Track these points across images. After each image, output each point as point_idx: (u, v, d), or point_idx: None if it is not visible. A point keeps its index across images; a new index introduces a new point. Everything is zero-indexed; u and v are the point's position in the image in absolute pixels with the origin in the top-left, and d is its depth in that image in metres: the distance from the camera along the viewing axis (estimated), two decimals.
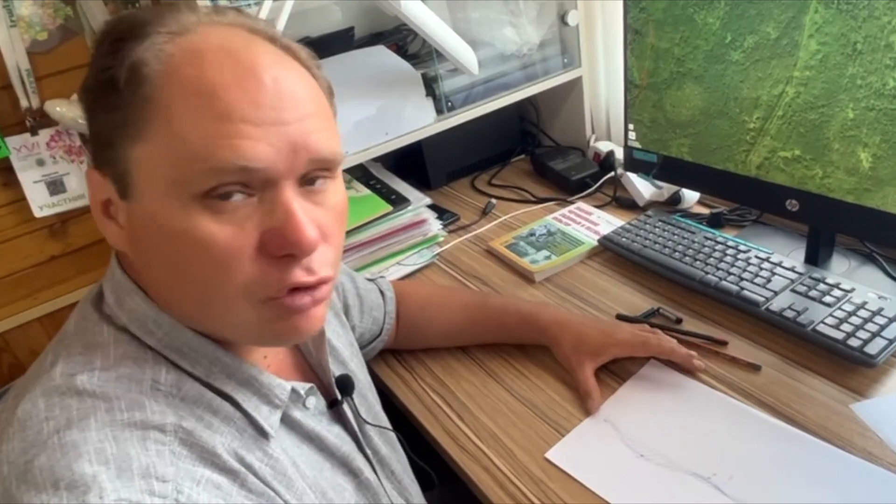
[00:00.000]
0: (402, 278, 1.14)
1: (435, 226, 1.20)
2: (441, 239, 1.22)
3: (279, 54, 0.50)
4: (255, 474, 0.51)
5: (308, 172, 0.49)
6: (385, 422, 0.75)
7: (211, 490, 0.47)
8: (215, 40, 0.48)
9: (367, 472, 0.64)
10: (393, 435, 0.74)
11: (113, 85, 0.47)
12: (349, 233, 1.09)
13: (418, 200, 1.17)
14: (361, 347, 0.87)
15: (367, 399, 0.73)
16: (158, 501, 0.43)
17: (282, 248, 0.47)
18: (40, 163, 1.23)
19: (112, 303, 0.53)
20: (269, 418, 0.55)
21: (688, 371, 0.83)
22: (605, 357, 0.84)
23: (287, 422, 0.58)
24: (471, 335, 0.94)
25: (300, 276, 0.49)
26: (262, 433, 0.54)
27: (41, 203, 1.25)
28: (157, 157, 0.46)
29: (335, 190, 0.53)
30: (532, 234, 1.19)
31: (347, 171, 1.22)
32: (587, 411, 0.80)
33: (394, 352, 0.97)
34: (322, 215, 0.50)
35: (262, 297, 0.49)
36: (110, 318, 0.52)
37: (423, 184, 1.42)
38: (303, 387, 0.59)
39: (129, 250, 0.51)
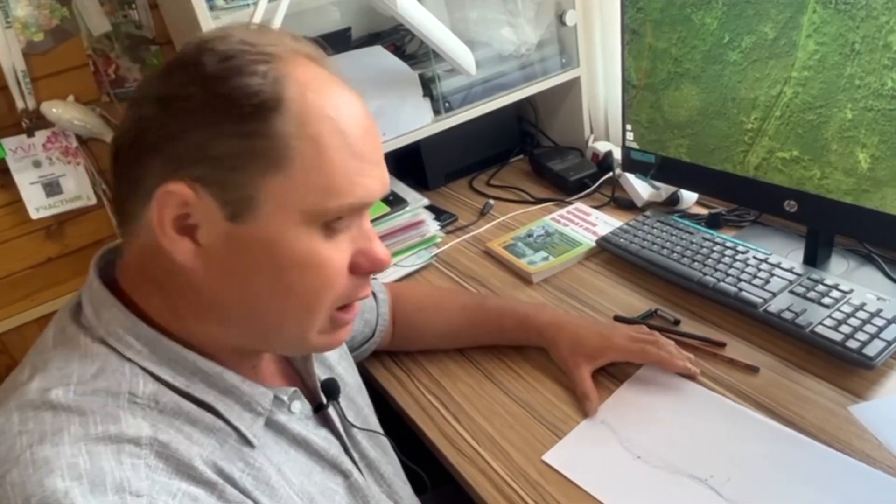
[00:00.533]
0: (400, 279, 1.14)
1: (433, 227, 1.19)
2: (439, 240, 1.21)
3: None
4: (235, 485, 0.51)
5: None
6: (375, 425, 0.74)
7: (187, 503, 0.46)
8: (333, 84, 0.52)
9: (355, 473, 0.64)
10: (384, 438, 0.74)
11: (241, 112, 0.47)
12: None
13: (416, 201, 1.17)
14: (353, 349, 0.86)
15: (355, 402, 0.72)
16: None
17: (370, 267, 0.55)
18: (37, 164, 1.22)
19: (90, 314, 0.52)
20: (251, 426, 0.54)
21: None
22: (602, 360, 0.84)
23: (273, 427, 0.58)
24: (468, 337, 0.94)
25: (366, 289, 0.57)
26: (246, 442, 0.54)
27: (38, 205, 1.24)
28: (296, 187, 0.49)
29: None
30: (530, 235, 1.19)
31: None
32: (584, 413, 0.80)
33: (390, 353, 0.96)
34: None
35: (336, 307, 0.55)
36: (88, 330, 0.52)
37: (420, 184, 1.42)
38: (285, 392, 0.59)
39: (201, 267, 0.51)
